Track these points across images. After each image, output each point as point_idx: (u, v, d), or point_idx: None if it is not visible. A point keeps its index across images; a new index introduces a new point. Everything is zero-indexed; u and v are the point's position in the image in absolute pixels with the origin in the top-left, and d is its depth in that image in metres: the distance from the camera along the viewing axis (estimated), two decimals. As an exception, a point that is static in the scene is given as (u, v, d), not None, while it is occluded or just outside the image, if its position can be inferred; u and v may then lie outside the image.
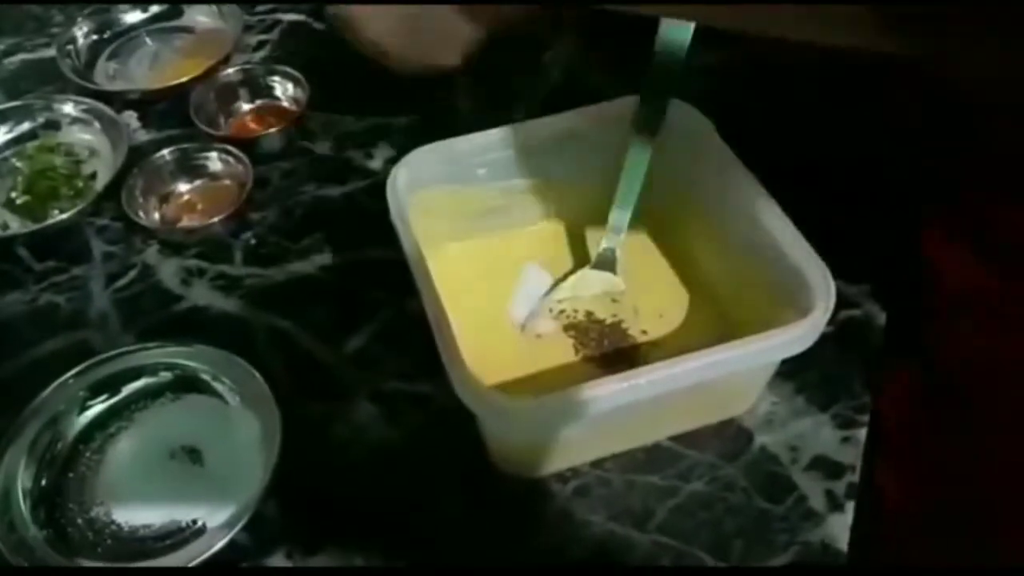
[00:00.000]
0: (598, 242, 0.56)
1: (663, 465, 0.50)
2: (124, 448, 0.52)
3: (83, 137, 0.70)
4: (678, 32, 0.50)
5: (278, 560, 0.47)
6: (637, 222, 0.55)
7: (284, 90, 0.72)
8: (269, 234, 0.63)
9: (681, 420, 0.51)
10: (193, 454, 0.51)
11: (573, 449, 0.49)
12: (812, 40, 0.34)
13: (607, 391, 0.42)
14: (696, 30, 0.50)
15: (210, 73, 0.73)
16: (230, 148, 0.66)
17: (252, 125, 0.71)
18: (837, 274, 0.46)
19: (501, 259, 0.58)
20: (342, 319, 0.57)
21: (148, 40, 0.80)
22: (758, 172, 0.51)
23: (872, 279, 0.58)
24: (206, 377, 0.53)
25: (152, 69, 0.77)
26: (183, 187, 0.67)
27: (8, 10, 0.84)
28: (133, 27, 0.80)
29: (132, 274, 0.61)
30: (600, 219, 0.56)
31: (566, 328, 0.55)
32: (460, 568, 0.47)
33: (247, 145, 0.67)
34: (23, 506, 0.48)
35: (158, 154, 0.66)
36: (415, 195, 0.53)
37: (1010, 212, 0.50)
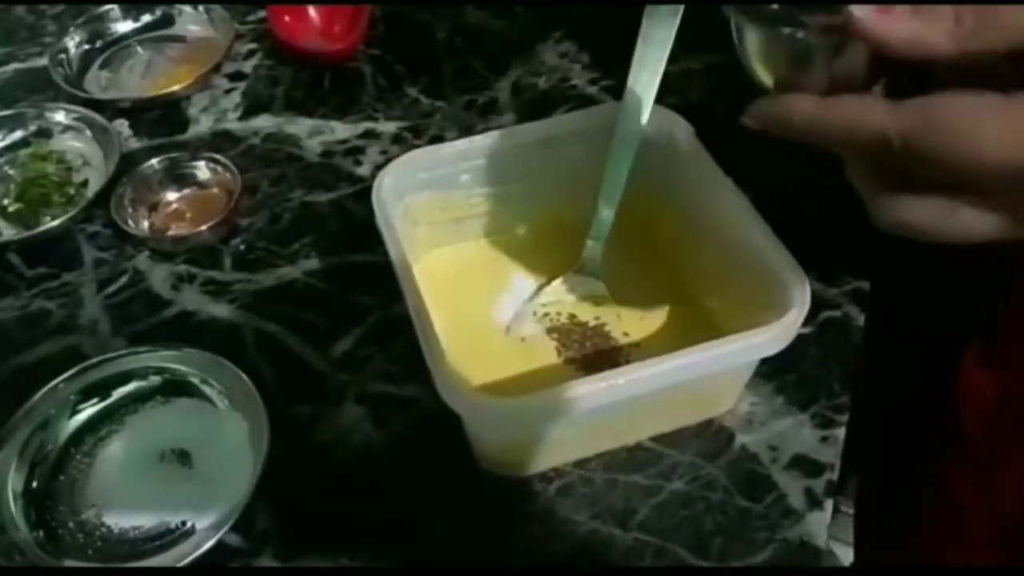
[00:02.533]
0: (581, 247, 0.57)
1: (645, 465, 0.51)
2: (114, 451, 0.53)
3: (75, 145, 0.71)
4: (660, 36, 0.51)
5: (266, 560, 0.48)
6: (619, 226, 0.56)
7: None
8: (258, 240, 0.64)
9: (663, 420, 0.52)
10: (182, 457, 0.52)
11: (556, 449, 0.50)
12: None
13: (588, 391, 0.43)
14: (678, 34, 0.51)
15: (201, 81, 0.74)
16: (217, 157, 0.67)
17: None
18: (817, 276, 0.47)
19: (485, 263, 0.59)
20: (329, 323, 0.58)
21: (140, 49, 0.81)
22: (737, 176, 0.52)
23: (851, 281, 0.59)
24: (195, 380, 0.54)
25: (144, 78, 0.78)
26: (171, 196, 0.67)
27: (0, 19, 0.84)
28: (125, 36, 0.81)
29: (123, 280, 0.62)
30: (583, 224, 0.57)
31: (549, 331, 0.56)
32: (445, 568, 0.48)
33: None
34: (14, 508, 0.49)
35: (146, 163, 0.67)
36: (401, 200, 0.54)
37: None
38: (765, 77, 0.55)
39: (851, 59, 0.34)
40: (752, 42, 0.58)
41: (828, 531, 0.49)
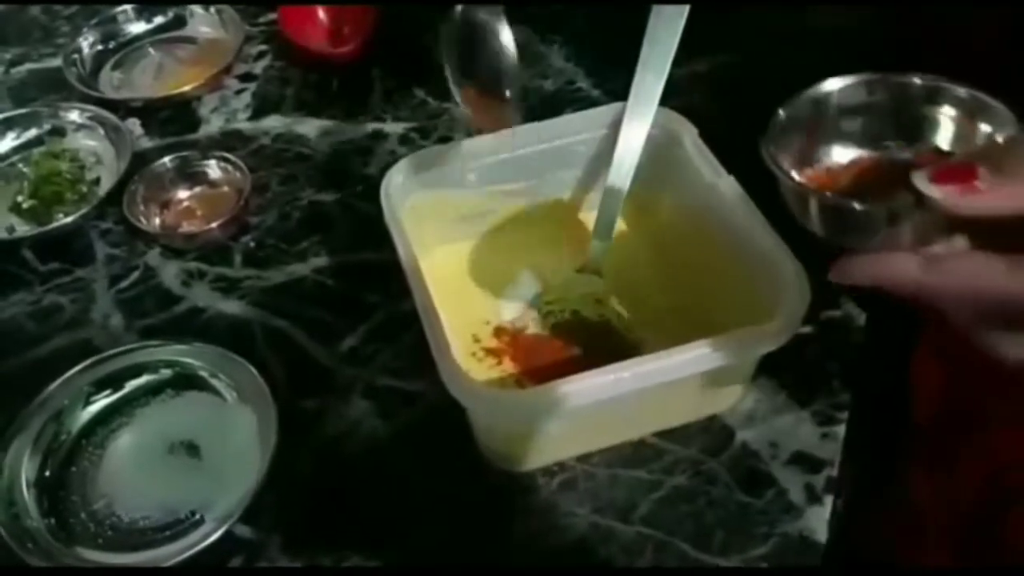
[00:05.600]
0: (585, 245, 0.58)
1: (647, 460, 0.52)
2: (125, 443, 0.54)
3: (88, 143, 0.72)
4: (666, 38, 0.52)
5: (274, 550, 0.49)
6: (623, 225, 0.57)
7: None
8: (267, 238, 0.65)
9: (665, 416, 0.52)
10: (191, 449, 0.53)
11: (559, 443, 0.50)
12: None
13: (592, 385, 0.43)
14: (683, 36, 0.52)
15: (211, 82, 0.75)
16: (228, 156, 0.68)
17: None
18: (818, 275, 0.47)
19: (491, 261, 0.60)
20: (337, 319, 0.59)
21: (152, 50, 0.82)
22: (740, 175, 0.53)
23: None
24: (205, 374, 0.55)
25: (156, 78, 0.80)
26: (183, 194, 0.68)
27: (15, 20, 0.86)
28: (137, 37, 0.83)
29: (134, 276, 0.63)
30: (587, 223, 0.58)
31: (554, 328, 0.57)
32: (449, 565, 0.49)
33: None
34: (27, 496, 0.50)
35: (159, 162, 0.68)
36: (408, 199, 0.55)
37: None
38: (819, 230, 0.53)
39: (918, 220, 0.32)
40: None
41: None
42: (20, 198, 0.68)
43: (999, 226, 0.30)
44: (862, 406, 0.54)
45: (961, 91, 0.38)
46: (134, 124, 0.74)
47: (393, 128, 0.72)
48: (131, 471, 0.52)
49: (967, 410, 0.54)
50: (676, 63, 0.53)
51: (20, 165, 0.71)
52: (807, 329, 0.56)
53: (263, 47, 0.81)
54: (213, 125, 0.74)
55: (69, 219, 0.64)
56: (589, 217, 0.57)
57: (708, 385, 0.51)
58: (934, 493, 0.55)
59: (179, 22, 0.83)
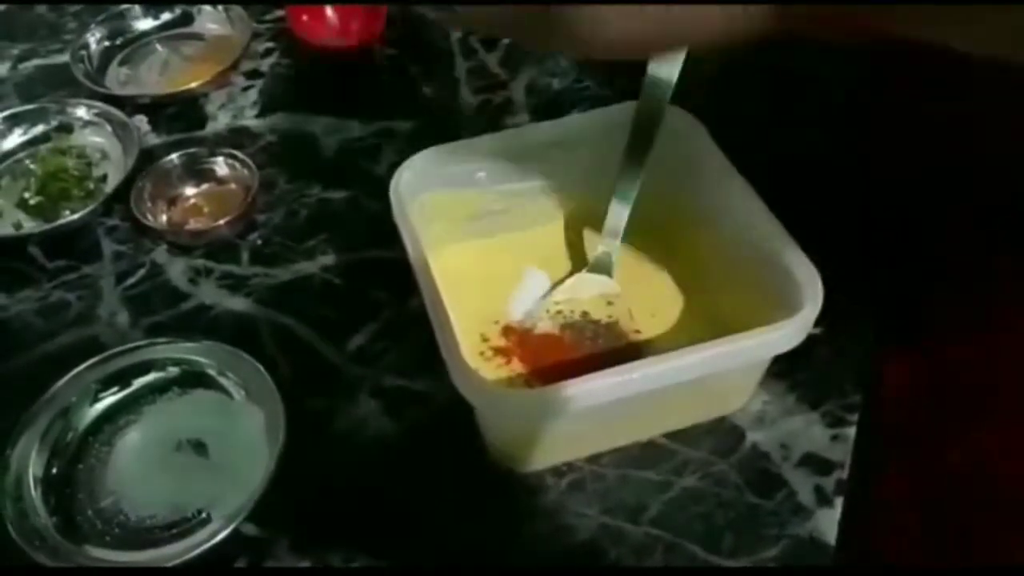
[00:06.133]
0: (595, 245, 0.58)
1: (657, 461, 0.51)
2: (132, 441, 0.53)
3: (95, 140, 0.72)
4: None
5: (281, 548, 0.49)
6: (633, 225, 0.57)
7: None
8: (274, 235, 0.65)
9: (675, 417, 0.52)
10: (199, 447, 0.53)
11: (568, 443, 0.50)
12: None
13: (602, 385, 0.43)
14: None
15: (219, 79, 0.75)
16: (235, 153, 0.68)
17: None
18: (829, 278, 0.47)
19: (500, 261, 0.60)
20: (345, 317, 0.59)
21: (159, 46, 0.82)
22: (751, 176, 0.53)
23: (863, 283, 0.59)
24: (212, 372, 0.55)
25: (163, 75, 0.79)
26: (190, 191, 0.68)
27: (22, 16, 0.86)
28: (144, 34, 0.82)
29: (141, 273, 0.63)
30: (597, 222, 0.57)
31: (562, 328, 0.56)
32: (457, 565, 0.49)
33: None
34: (34, 493, 0.50)
35: (166, 159, 0.68)
36: (417, 197, 0.55)
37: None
38: None
39: None
40: None
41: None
42: (27, 194, 0.68)
43: None
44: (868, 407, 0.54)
45: None
46: (141, 121, 0.74)
47: (401, 126, 0.72)
48: (138, 469, 0.52)
49: (948, 410, 0.54)
50: (685, 62, 0.52)
51: (27, 162, 0.71)
52: (817, 330, 0.55)
53: (270, 44, 0.81)
54: (220, 122, 0.74)
55: (76, 216, 0.64)
56: (599, 216, 0.57)
57: (718, 387, 0.51)
58: (915, 493, 0.55)
59: (186, 19, 0.83)
